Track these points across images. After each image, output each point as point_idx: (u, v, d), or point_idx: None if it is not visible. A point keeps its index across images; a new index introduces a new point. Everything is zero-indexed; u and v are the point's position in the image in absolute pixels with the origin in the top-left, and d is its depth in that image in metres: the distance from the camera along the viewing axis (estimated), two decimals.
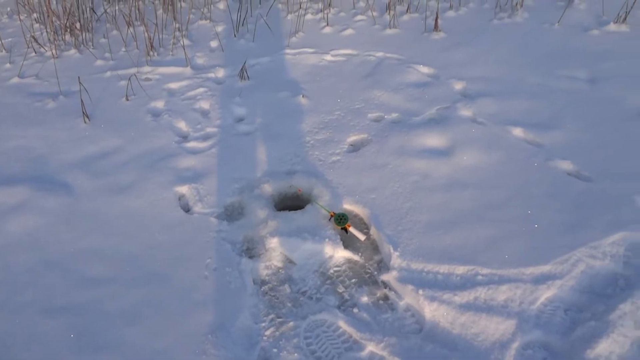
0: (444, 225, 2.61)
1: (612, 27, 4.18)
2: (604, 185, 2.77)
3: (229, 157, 3.12)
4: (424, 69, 3.80)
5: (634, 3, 4.20)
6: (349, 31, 4.32)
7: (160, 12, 4.56)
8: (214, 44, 4.22)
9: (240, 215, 2.78)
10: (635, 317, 2.16)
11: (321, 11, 4.60)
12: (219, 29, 4.41)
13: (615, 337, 2.09)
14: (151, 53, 4.06)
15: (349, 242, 2.62)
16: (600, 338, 2.10)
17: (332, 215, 2.66)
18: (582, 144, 3.04)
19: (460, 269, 2.40)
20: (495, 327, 2.19)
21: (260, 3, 4.81)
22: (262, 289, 2.44)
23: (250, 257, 2.56)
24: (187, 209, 2.81)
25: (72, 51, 4.17)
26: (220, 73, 3.86)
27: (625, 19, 4.19)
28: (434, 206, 2.72)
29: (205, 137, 3.28)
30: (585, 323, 2.19)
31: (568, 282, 2.34)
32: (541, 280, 2.35)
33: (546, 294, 2.30)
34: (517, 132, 3.17)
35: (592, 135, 3.11)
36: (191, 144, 3.23)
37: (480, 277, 2.37)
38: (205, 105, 3.56)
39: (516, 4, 4.50)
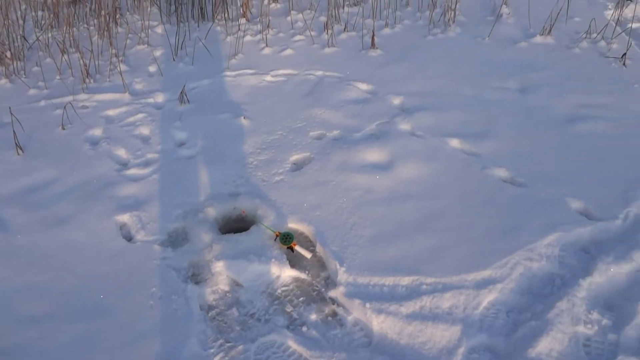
0: (387, 238, 2.66)
1: (539, 39, 4.38)
2: (537, 190, 2.89)
3: (171, 182, 3.09)
4: (363, 86, 3.88)
5: (557, 16, 4.42)
6: (288, 51, 4.37)
7: (95, 38, 4.49)
8: (152, 68, 4.19)
9: (184, 240, 2.75)
10: (572, 313, 2.26)
11: (260, 32, 4.63)
12: (157, 53, 4.38)
13: (554, 335, 2.18)
14: (87, 80, 3.99)
15: (295, 261, 2.63)
16: (541, 337, 2.18)
17: (277, 235, 2.67)
18: (515, 151, 3.17)
19: (405, 280, 2.45)
20: (441, 334, 2.24)
21: (198, 26, 4.80)
22: (209, 315, 2.41)
23: (197, 282, 2.53)
24: (129, 238, 2.76)
25: (3, 81, 4.04)
26: (160, 98, 3.83)
27: (550, 31, 4.40)
28: (378, 219, 2.77)
29: (146, 164, 3.23)
30: (526, 323, 2.26)
31: (508, 285, 2.42)
32: (483, 285, 2.42)
33: (488, 298, 2.38)
34: (454, 143, 3.27)
35: (524, 142, 3.24)
36: (132, 171, 3.17)
37: (424, 287, 2.43)
38: (145, 131, 3.51)
39: (449, 20, 4.66)
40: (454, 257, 2.53)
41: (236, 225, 2.86)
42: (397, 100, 3.69)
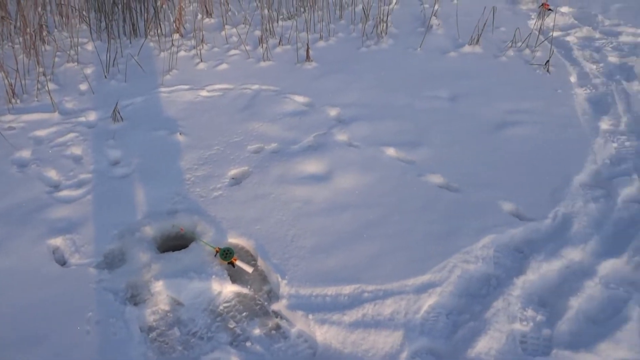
0: (328, 248, 2.68)
1: (467, 48, 4.55)
2: (471, 194, 2.98)
3: (106, 202, 3.00)
4: (299, 98, 3.91)
5: (484, 26, 4.60)
6: (224, 66, 4.35)
7: (21, 56, 4.33)
8: (83, 86, 4.07)
9: (121, 261, 2.67)
10: (508, 312, 2.34)
11: (194, 48, 4.60)
12: (88, 71, 4.26)
13: (492, 334, 2.24)
14: (13, 100, 3.83)
15: (237, 276, 2.60)
16: (480, 336, 2.24)
17: (217, 251, 2.63)
18: (449, 157, 3.26)
19: (347, 289, 2.47)
20: (384, 341, 2.27)
21: (130, 42, 4.71)
22: (150, 336, 2.35)
23: (135, 304, 2.46)
24: (62, 262, 2.66)
25: None
26: (92, 116, 3.72)
27: (478, 41, 4.58)
28: (318, 230, 2.78)
29: (79, 184, 3.13)
30: (465, 324, 2.32)
31: (447, 288, 2.48)
32: (422, 289, 2.47)
33: (428, 301, 2.42)
34: (390, 151, 3.33)
35: (456, 148, 3.34)
36: (64, 193, 3.06)
37: (366, 294, 2.45)
38: (77, 150, 3.40)
39: (381, 32, 4.77)
40: (393, 264, 2.57)
41: (175, 243, 2.81)
42: (333, 112, 3.74)
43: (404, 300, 2.42)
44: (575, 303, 2.36)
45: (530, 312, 2.35)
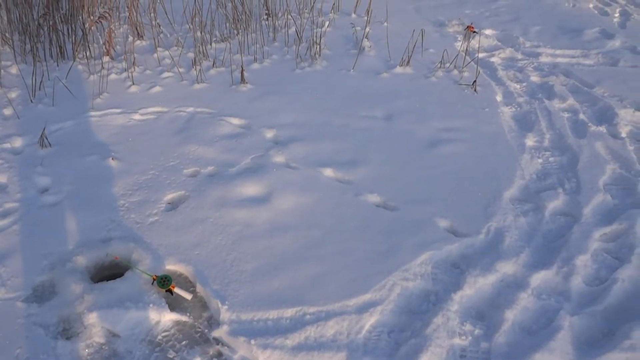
0: (269, 271, 2.66)
1: (399, 69, 4.67)
2: (408, 212, 3.05)
3: (34, 232, 2.86)
4: (236, 121, 3.89)
5: (414, 48, 4.75)
6: (157, 89, 4.27)
7: None
8: (7, 111, 3.89)
9: (52, 294, 2.55)
10: (447, 327, 2.39)
11: (125, 70, 4.49)
12: (13, 95, 4.08)
13: (433, 349, 2.29)
14: None
15: (175, 304, 2.54)
16: (421, 353, 2.28)
17: (154, 279, 2.56)
18: (386, 176, 3.33)
19: (288, 312, 2.45)
20: None
21: (58, 65, 4.55)
22: None
23: (68, 338, 2.35)
24: None
25: None
26: (17, 142, 3.56)
27: (408, 62, 4.72)
28: (258, 253, 2.76)
29: (5, 214, 2.98)
30: (407, 342, 2.36)
31: (388, 306, 2.51)
32: (364, 308, 2.49)
33: (370, 321, 2.45)
34: (328, 172, 3.36)
35: (392, 167, 3.41)
36: None
37: (308, 317, 2.45)
38: (1, 179, 3.24)
39: (315, 54, 4.83)
40: (335, 284, 2.58)
41: (110, 272, 2.71)
42: (270, 134, 3.74)
43: (346, 320, 2.43)
44: (511, 315, 2.45)
45: (468, 327, 2.42)
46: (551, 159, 3.51)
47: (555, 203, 3.11)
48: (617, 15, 5.81)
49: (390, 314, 2.49)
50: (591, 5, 6.04)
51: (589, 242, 2.81)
